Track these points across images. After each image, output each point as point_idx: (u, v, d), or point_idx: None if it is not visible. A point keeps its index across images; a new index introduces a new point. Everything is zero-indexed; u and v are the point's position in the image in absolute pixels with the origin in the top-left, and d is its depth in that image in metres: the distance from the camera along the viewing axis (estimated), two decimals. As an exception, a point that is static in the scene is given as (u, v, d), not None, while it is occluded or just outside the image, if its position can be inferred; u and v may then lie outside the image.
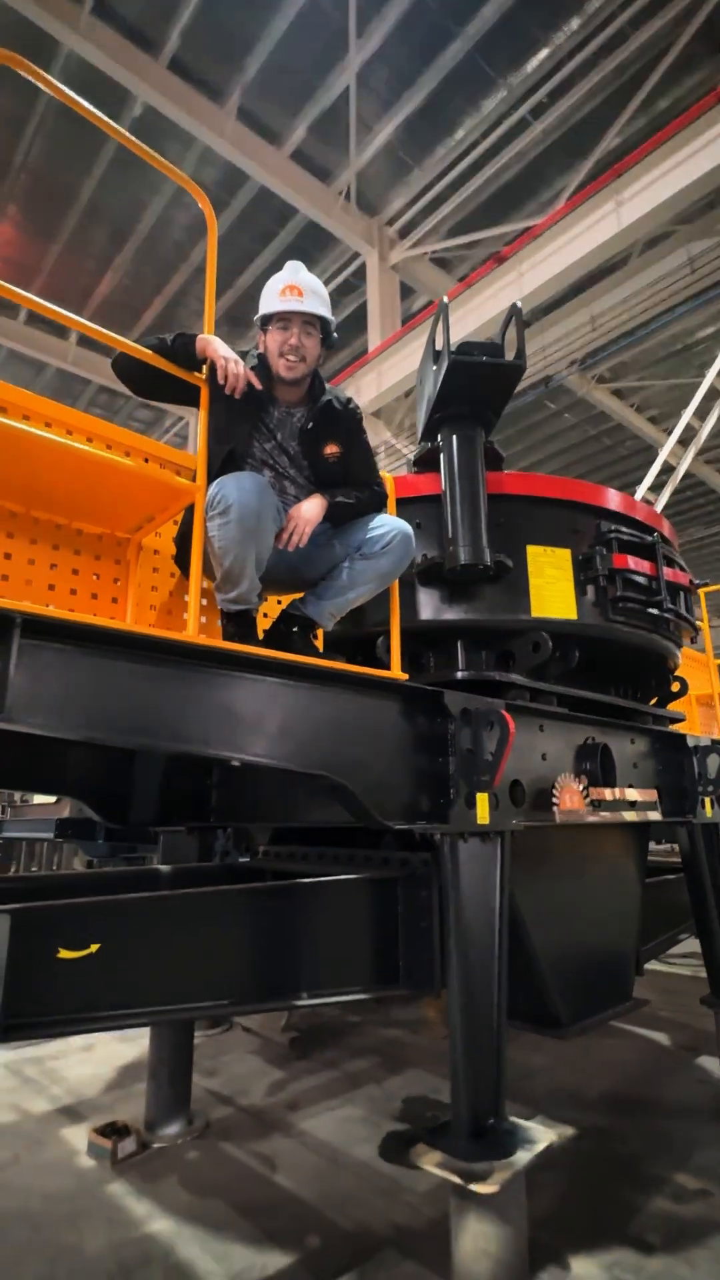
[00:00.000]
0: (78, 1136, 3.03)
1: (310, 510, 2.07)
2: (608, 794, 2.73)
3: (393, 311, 10.69)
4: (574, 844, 2.85)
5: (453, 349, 2.34)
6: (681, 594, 3.01)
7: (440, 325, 2.44)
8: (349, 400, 2.31)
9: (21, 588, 1.81)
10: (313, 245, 10.92)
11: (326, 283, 11.54)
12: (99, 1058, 4.05)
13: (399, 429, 11.09)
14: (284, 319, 2.14)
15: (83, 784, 3.13)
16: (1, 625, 1.36)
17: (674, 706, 4.27)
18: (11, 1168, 2.80)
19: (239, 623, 1.97)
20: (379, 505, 2.28)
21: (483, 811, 2.17)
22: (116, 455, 1.94)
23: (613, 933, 2.99)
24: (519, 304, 2.47)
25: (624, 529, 2.74)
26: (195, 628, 1.69)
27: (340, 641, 2.66)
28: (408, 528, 2.21)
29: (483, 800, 2.18)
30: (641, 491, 7.64)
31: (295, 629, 2.13)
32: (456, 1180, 1.79)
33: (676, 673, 3.40)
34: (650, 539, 2.78)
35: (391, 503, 2.36)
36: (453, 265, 11.36)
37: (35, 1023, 1.66)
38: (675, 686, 3.38)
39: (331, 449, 2.21)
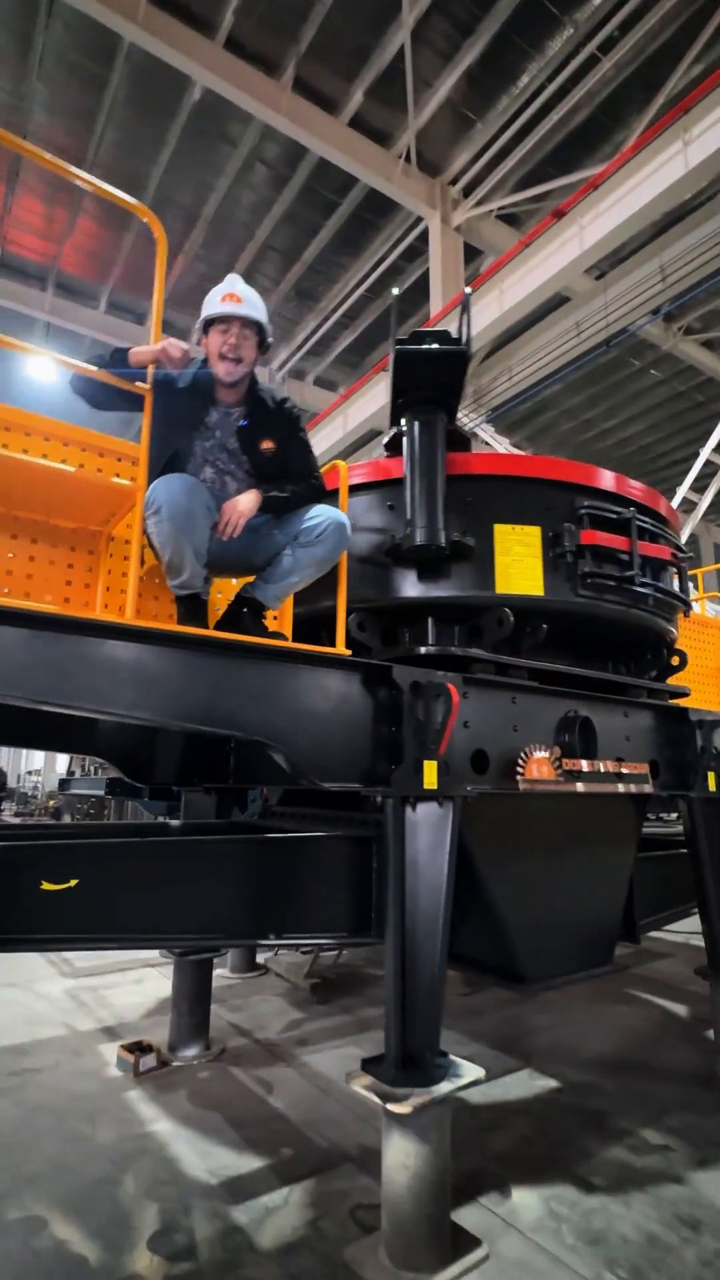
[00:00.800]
0: (111, 1052, 3.47)
1: (242, 503, 2.25)
2: (585, 765, 2.80)
3: (456, 275, 10.46)
4: (551, 813, 2.93)
5: (403, 338, 2.43)
6: (667, 569, 2.98)
7: (393, 316, 2.53)
8: (284, 399, 2.46)
9: (1, 577, 2.11)
10: (374, 213, 10.84)
11: (389, 250, 11.46)
12: (146, 990, 4.54)
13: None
14: (225, 321, 2.33)
15: (111, 748, 3.52)
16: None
17: (693, 682, 4.18)
18: (51, 1071, 3.27)
19: (188, 605, 2.21)
20: (316, 496, 2.43)
21: (430, 777, 2.33)
22: (58, 463, 2.15)
23: (593, 899, 3.06)
24: (469, 291, 2.51)
25: (598, 505, 2.74)
26: (133, 611, 1.93)
27: (316, 618, 2.83)
28: (342, 517, 2.35)
29: (430, 767, 2.33)
30: (707, 453, 7.25)
31: (246, 610, 2.34)
32: (375, 1100, 2.01)
33: (676, 646, 3.35)
34: (626, 513, 2.77)
35: (343, 490, 2.50)
36: (521, 221, 10.95)
37: (17, 939, 2.01)
38: (675, 660, 3.34)
39: (267, 444, 2.38)
